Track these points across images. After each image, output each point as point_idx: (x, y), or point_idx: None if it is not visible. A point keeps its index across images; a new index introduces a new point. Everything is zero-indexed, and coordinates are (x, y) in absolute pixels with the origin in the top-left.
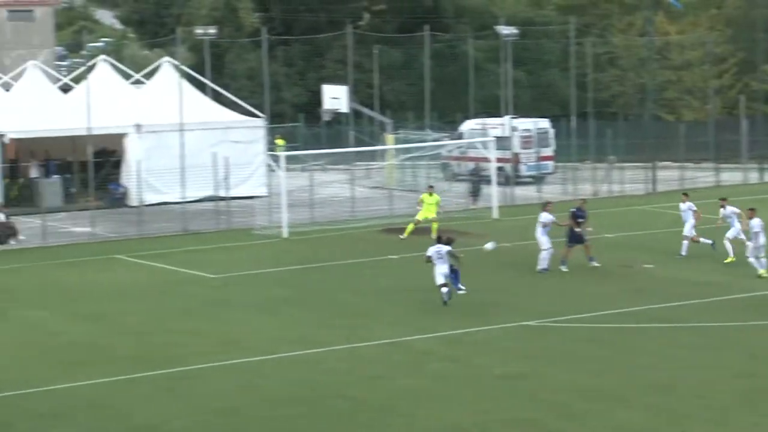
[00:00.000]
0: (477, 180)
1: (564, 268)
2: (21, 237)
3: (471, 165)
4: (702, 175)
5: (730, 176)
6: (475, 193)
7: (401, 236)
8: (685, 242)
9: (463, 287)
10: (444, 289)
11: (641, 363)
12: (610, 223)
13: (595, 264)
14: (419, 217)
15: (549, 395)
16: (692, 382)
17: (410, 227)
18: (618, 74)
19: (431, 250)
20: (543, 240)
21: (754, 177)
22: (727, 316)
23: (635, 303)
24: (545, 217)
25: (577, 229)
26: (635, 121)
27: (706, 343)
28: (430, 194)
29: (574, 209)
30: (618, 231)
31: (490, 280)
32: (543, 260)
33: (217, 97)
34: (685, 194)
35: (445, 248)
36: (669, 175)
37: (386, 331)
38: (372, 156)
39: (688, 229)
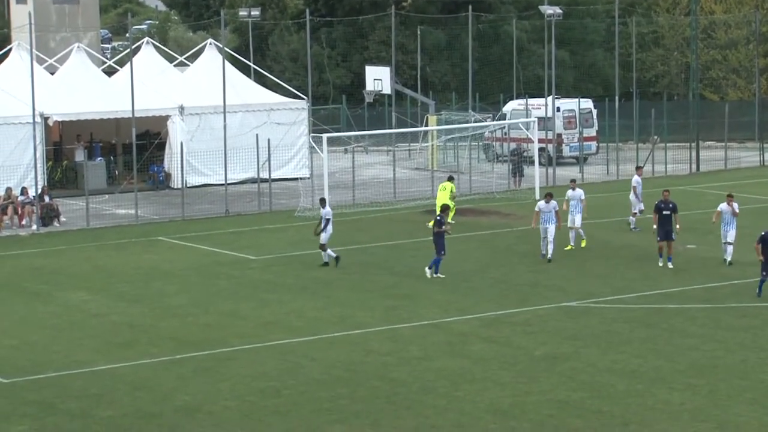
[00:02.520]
0: (519, 160)
1: (669, 265)
2: (63, 219)
3: (513, 146)
4: (746, 155)
5: None
6: (517, 174)
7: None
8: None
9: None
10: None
11: (682, 344)
12: (653, 204)
13: (670, 266)
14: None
15: (589, 376)
16: (734, 363)
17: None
18: (662, 54)
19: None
20: (635, 201)
21: None
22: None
23: (677, 284)
24: (636, 180)
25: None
26: (679, 101)
27: (747, 324)
28: (450, 181)
29: (658, 202)
30: None
31: (530, 261)
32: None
33: (260, 79)
34: (730, 195)
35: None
36: (713, 155)
37: (426, 313)
38: (414, 137)
39: (732, 236)
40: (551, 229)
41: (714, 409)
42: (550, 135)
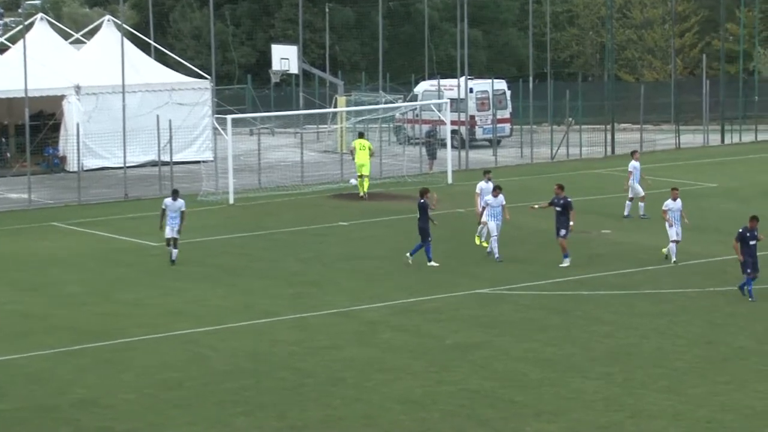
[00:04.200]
0: (433, 143)
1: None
2: None
3: (426, 128)
4: (662, 138)
5: (691, 139)
6: (431, 157)
7: (362, 195)
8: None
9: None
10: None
11: (597, 331)
12: (567, 187)
13: (565, 264)
14: (358, 168)
15: (502, 365)
16: (649, 350)
17: (364, 183)
18: (577, 33)
19: None
20: (639, 188)
21: (715, 140)
22: (685, 283)
23: (592, 270)
24: (633, 165)
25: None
26: (594, 82)
27: (662, 310)
28: (363, 138)
29: (554, 198)
30: (575, 195)
31: (442, 247)
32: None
33: (161, 58)
34: (675, 189)
35: None
36: (628, 138)
37: (335, 301)
38: (322, 119)
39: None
40: (497, 225)
41: (628, 397)
42: (462, 117)
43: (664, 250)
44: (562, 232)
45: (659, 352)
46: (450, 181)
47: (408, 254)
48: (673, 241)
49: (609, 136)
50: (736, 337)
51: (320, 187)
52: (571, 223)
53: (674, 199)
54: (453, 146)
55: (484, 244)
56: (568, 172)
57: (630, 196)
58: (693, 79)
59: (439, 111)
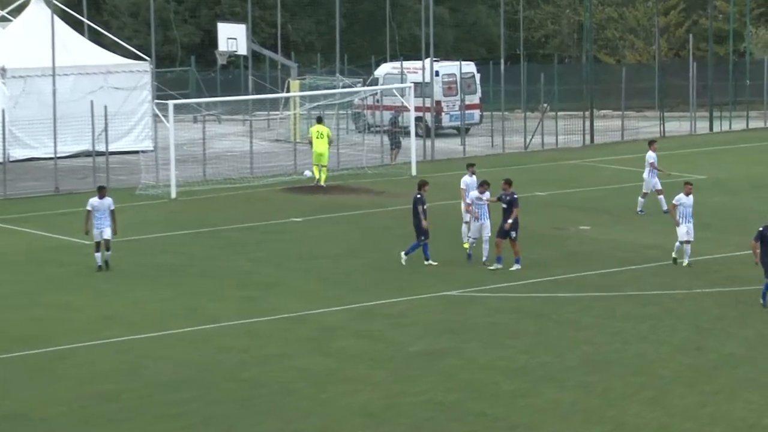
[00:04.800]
0: (396, 131)
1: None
2: None
3: (388, 115)
4: (645, 125)
5: (677, 126)
6: (395, 147)
7: (321, 184)
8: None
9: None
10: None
11: (575, 337)
12: (542, 180)
13: (493, 267)
14: (315, 158)
15: (470, 374)
16: (631, 357)
17: (319, 171)
18: (552, 11)
19: None
20: (654, 182)
21: (703, 127)
22: (671, 284)
23: (569, 270)
24: (652, 156)
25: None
26: (571, 64)
27: (646, 313)
28: (321, 123)
29: (501, 194)
30: (551, 188)
31: (406, 244)
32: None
33: (96, 38)
34: (689, 183)
35: None
36: (608, 125)
37: (288, 304)
38: (274, 105)
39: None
40: (487, 225)
41: (609, 409)
42: (428, 103)
43: (685, 263)
44: (513, 234)
45: (642, 360)
46: (414, 172)
47: (402, 253)
48: (684, 242)
49: (587, 124)
50: (726, 343)
51: (272, 180)
52: (509, 220)
53: (687, 194)
54: (417, 135)
55: (465, 246)
56: (543, 162)
57: (644, 191)
58: (679, 62)
59: (402, 96)
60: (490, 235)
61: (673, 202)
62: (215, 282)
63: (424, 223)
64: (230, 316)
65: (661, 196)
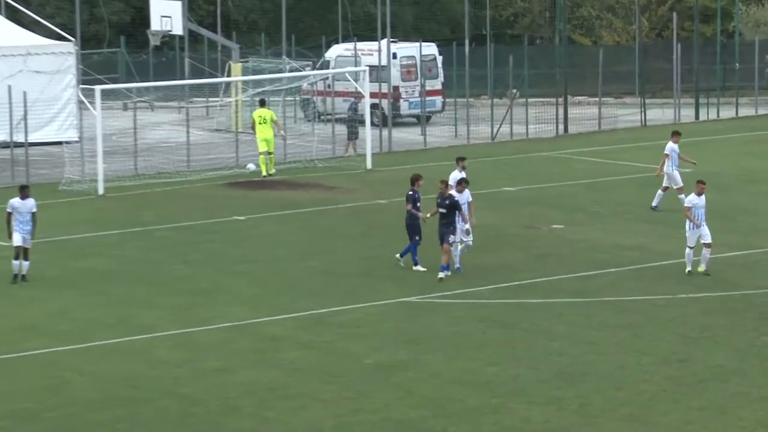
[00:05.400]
0: (356, 120)
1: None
2: None
3: (347, 102)
4: (624, 113)
5: (659, 114)
6: (353, 137)
7: (270, 173)
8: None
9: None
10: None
11: (547, 347)
12: (510, 173)
13: (441, 275)
14: (259, 145)
15: (432, 389)
16: (609, 370)
17: (265, 161)
18: None
19: None
20: (677, 176)
21: (688, 115)
22: (653, 288)
23: (541, 273)
24: (671, 148)
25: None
26: (543, 46)
27: (626, 321)
28: (264, 107)
29: (437, 196)
30: (521, 183)
31: (361, 245)
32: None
33: (13, 15)
34: (702, 182)
35: None
36: (584, 113)
37: (230, 312)
38: (213, 91)
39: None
40: (463, 229)
41: (585, 427)
42: (384, 88)
43: (701, 268)
44: (451, 238)
45: (621, 372)
46: (369, 165)
47: (398, 255)
48: (705, 245)
49: (561, 112)
50: (714, 354)
51: (211, 174)
52: (465, 226)
53: (699, 194)
54: (373, 124)
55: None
56: (512, 154)
57: (664, 184)
58: (661, 43)
59: (356, 81)
60: (469, 241)
61: (686, 204)
62: (148, 288)
63: (422, 215)
64: (165, 326)
65: (662, 192)
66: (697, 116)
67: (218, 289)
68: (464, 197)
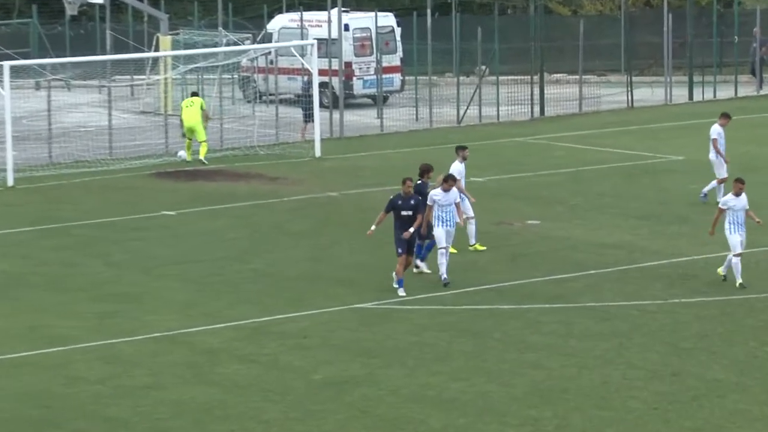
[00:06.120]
0: (310, 100)
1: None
2: None
3: (300, 80)
4: (608, 93)
5: (648, 94)
6: (308, 120)
7: (201, 160)
8: None
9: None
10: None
11: (521, 360)
12: (479, 162)
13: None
14: (186, 132)
15: (390, 409)
16: (592, 385)
17: (201, 148)
18: None
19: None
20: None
21: (681, 95)
22: (641, 292)
23: (514, 275)
24: (717, 132)
25: None
26: (516, 16)
27: (610, 329)
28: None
29: (395, 197)
30: (490, 172)
31: (309, 244)
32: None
33: None
34: (741, 181)
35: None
36: (562, 93)
37: (159, 321)
38: (139, 67)
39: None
40: (453, 233)
41: None
42: (335, 65)
43: (720, 270)
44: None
45: (606, 388)
46: (318, 153)
47: (418, 260)
48: (735, 255)
49: (536, 91)
50: (710, 367)
51: (137, 163)
52: (411, 230)
53: (737, 194)
54: (322, 105)
55: (479, 247)
56: (482, 140)
57: (724, 175)
58: (651, 13)
59: (303, 56)
60: (447, 245)
61: (720, 206)
62: (64, 293)
63: (428, 216)
64: (84, 337)
65: (721, 185)
66: (690, 96)
67: (145, 294)
68: (451, 197)
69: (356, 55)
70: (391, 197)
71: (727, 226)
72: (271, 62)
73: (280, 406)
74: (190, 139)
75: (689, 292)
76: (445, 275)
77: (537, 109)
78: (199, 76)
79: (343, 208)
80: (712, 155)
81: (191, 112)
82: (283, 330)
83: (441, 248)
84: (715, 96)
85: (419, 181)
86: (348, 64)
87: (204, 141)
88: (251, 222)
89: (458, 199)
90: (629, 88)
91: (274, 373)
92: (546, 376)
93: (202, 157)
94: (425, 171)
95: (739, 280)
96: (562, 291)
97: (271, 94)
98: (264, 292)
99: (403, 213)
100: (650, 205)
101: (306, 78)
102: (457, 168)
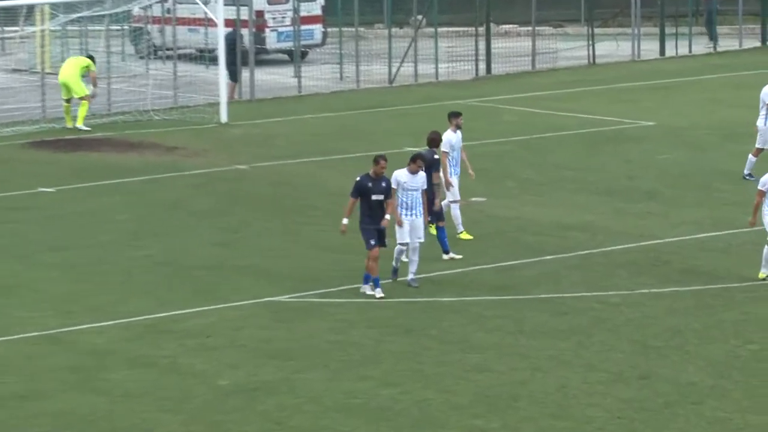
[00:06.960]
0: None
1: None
2: None
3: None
4: (566, 48)
5: (613, 49)
6: (234, 79)
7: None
8: None
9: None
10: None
11: (464, 361)
12: (415, 128)
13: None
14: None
15: (309, 419)
16: (546, 391)
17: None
18: None
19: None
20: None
21: (651, 50)
22: (603, 282)
23: (455, 262)
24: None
25: None
26: None
27: (568, 326)
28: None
29: (362, 177)
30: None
31: (213, 227)
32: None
33: None
34: None
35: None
36: (512, 48)
37: (36, 318)
38: (11, 18)
39: None
40: (419, 224)
41: None
42: (244, 14)
43: (762, 274)
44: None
45: (563, 394)
46: (224, 118)
47: (445, 256)
48: None
49: (482, 46)
50: (684, 369)
51: (9, 131)
52: (382, 223)
53: None
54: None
55: (464, 236)
56: (418, 103)
57: (757, 146)
58: None
59: (206, 4)
60: (422, 240)
61: (759, 187)
62: None
63: (436, 202)
64: None
65: (754, 157)
66: (662, 51)
67: (19, 285)
68: (418, 181)
69: (269, 3)
70: (358, 179)
71: (766, 210)
72: (168, 11)
73: (180, 417)
74: (68, 101)
75: (659, 280)
76: (412, 276)
77: (482, 66)
78: (83, 28)
79: (254, 184)
80: (760, 122)
81: (66, 66)
82: (183, 328)
83: (401, 244)
84: (690, 51)
85: (419, 153)
86: (260, 14)
87: (84, 98)
88: (145, 200)
89: (425, 186)
90: (590, 42)
91: (173, 378)
92: (493, 381)
93: (80, 122)
94: (435, 141)
95: (764, 273)
96: (511, 280)
97: (168, 49)
98: (160, 283)
99: (374, 197)
100: (615, 179)
101: (230, 30)
102: (448, 139)
